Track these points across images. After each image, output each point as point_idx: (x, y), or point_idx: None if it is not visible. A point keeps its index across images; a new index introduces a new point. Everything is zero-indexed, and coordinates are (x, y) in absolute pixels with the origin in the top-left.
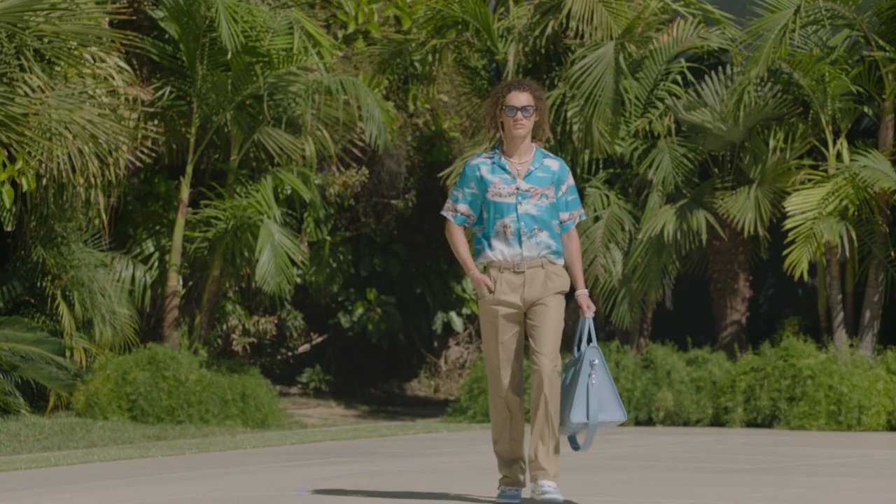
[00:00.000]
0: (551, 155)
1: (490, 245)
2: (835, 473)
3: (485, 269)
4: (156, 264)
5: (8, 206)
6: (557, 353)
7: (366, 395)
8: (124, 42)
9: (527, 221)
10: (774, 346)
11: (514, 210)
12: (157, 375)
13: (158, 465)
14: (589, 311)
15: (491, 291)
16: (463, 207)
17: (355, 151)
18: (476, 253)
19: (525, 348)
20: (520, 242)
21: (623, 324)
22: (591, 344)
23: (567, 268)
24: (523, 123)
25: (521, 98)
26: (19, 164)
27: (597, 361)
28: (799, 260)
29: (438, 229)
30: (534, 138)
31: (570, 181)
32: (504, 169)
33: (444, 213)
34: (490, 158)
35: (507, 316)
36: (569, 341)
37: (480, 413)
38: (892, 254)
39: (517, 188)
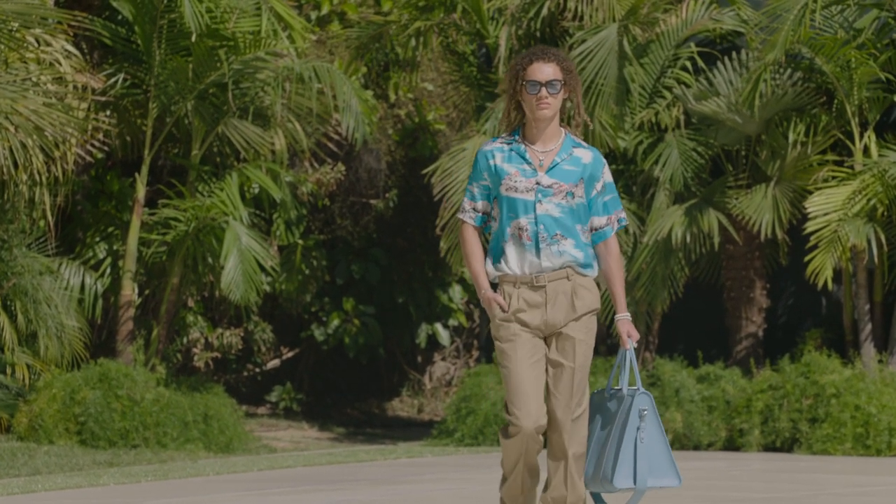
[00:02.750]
0: (584, 144)
1: (503, 251)
2: None
3: (496, 288)
4: (108, 271)
5: None
6: (584, 397)
7: (342, 415)
8: (72, 23)
9: (547, 224)
10: (795, 362)
11: (531, 209)
12: (110, 395)
13: (110, 495)
14: (631, 340)
15: (504, 310)
16: (481, 205)
17: (330, 146)
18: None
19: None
20: (537, 249)
21: None
22: (639, 389)
23: (601, 284)
24: (549, 102)
25: (545, 70)
26: None
27: (647, 411)
28: (822, 266)
29: (422, 232)
30: (564, 121)
31: (608, 177)
32: (523, 158)
33: (460, 216)
34: (507, 144)
35: (525, 332)
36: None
37: (468, 436)
38: None
39: (537, 183)
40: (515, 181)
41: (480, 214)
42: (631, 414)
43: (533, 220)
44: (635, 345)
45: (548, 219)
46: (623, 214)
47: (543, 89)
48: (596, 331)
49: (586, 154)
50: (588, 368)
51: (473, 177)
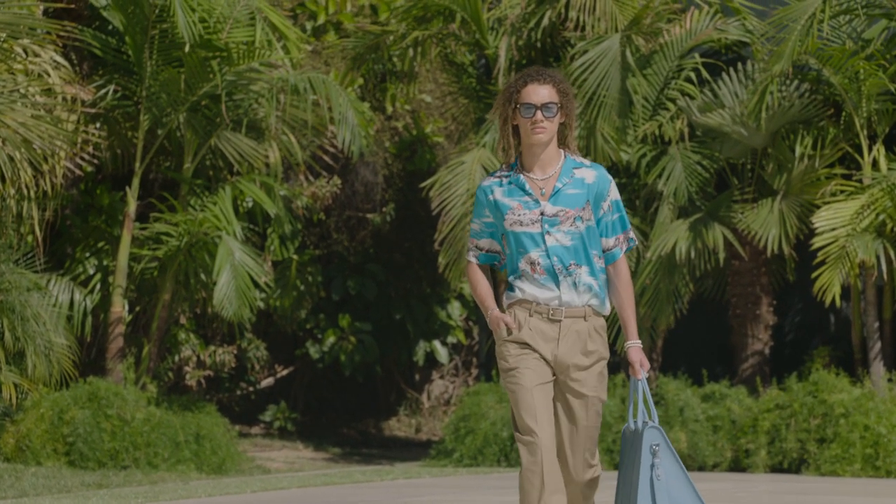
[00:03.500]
0: (585, 162)
1: (518, 285)
2: None
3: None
4: (98, 287)
5: None
6: (595, 452)
7: (337, 435)
8: (61, 34)
9: (560, 256)
10: (802, 381)
11: (540, 242)
12: (99, 414)
13: None
14: (643, 370)
15: (510, 331)
16: (485, 243)
17: (326, 159)
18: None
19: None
20: (556, 283)
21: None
22: (650, 423)
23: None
24: (544, 127)
25: (541, 93)
26: None
27: (659, 446)
28: (830, 283)
29: (420, 247)
30: (561, 144)
31: (614, 195)
32: (523, 189)
33: (468, 256)
34: (505, 177)
35: (532, 359)
36: None
37: (468, 456)
38: None
39: (542, 213)
40: (519, 215)
41: (485, 253)
42: (643, 451)
43: (544, 253)
44: (648, 374)
45: (560, 249)
46: (632, 234)
47: (539, 112)
48: (607, 381)
49: (589, 174)
50: (600, 421)
51: (476, 212)
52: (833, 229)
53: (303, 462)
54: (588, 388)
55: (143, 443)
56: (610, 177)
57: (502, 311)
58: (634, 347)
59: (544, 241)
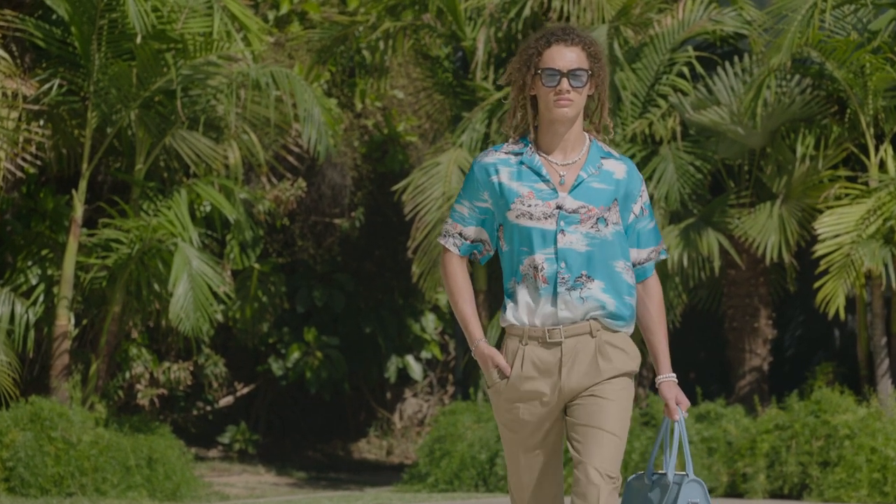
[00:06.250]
0: (614, 153)
1: (514, 295)
2: None
3: (499, 341)
4: (41, 298)
5: None
6: (618, 469)
7: (302, 458)
8: (1, 24)
9: (570, 262)
10: (803, 399)
11: (551, 242)
12: (42, 436)
13: None
14: (681, 409)
15: (504, 376)
16: (471, 231)
17: (290, 159)
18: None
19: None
20: (555, 296)
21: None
22: (690, 476)
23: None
24: (571, 99)
25: (567, 57)
26: None
27: (699, 503)
28: (833, 294)
29: (391, 255)
30: (589, 123)
31: (646, 197)
32: (538, 174)
33: (441, 240)
34: (515, 154)
35: (532, 415)
36: None
37: (443, 480)
38: None
39: (559, 206)
40: (530, 206)
41: (469, 243)
42: None
43: (553, 255)
44: (685, 415)
45: (572, 254)
46: (664, 246)
47: (565, 80)
48: (633, 398)
49: (619, 167)
50: (625, 439)
51: (466, 193)
52: (837, 236)
53: (265, 487)
54: (606, 393)
55: (90, 468)
56: (640, 174)
57: (485, 329)
58: (668, 382)
59: (555, 242)
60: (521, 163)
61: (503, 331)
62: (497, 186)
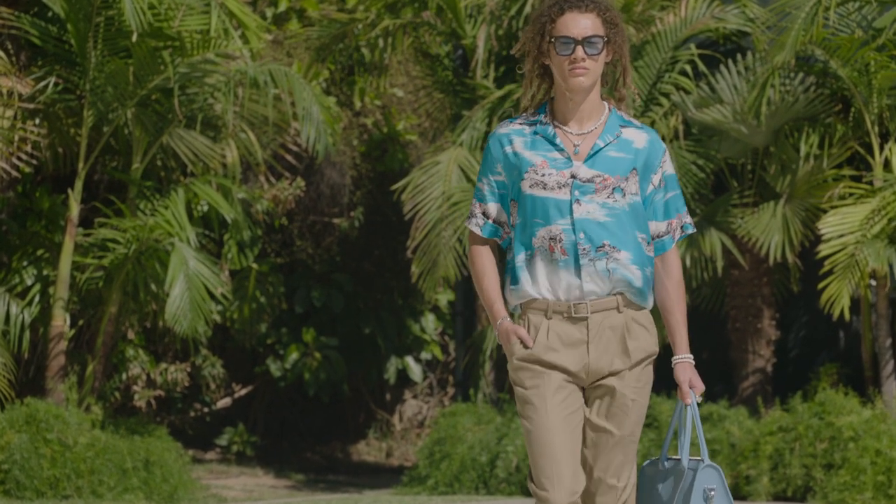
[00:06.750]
0: (635, 122)
1: (527, 269)
2: None
3: (515, 317)
4: (37, 299)
5: None
6: (633, 476)
7: (301, 460)
8: None
9: (589, 232)
10: (807, 401)
11: (567, 212)
12: (38, 439)
13: None
14: (694, 393)
15: (527, 346)
16: (493, 209)
17: (288, 158)
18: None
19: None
20: (577, 267)
21: None
22: (704, 461)
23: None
24: (586, 67)
25: (582, 23)
26: None
27: (715, 491)
28: (838, 294)
29: (391, 255)
30: (607, 92)
31: (668, 167)
32: (552, 143)
33: (468, 224)
34: (530, 125)
35: (557, 379)
36: None
37: (443, 483)
38: None
39: (573, 176)
40: (543, 175)
41: (492, 223)
42: (693, 496)
43: (569, 226)
44: (700, 399)
45: (590, 224)
46: (689, 219)
47: (580, 48)
48: (652, 383)
49: (639, 136)
50: (639, 435)
51: (484, 168)
52: (841, 236)
53: (263, 490)
54: (627, 389)
55: (86, 470)
56: (664, 144)
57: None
58: (683, 363)
59: (571, 213)
60: (536, 132)
61: (518, 312)
62: (512, 156)
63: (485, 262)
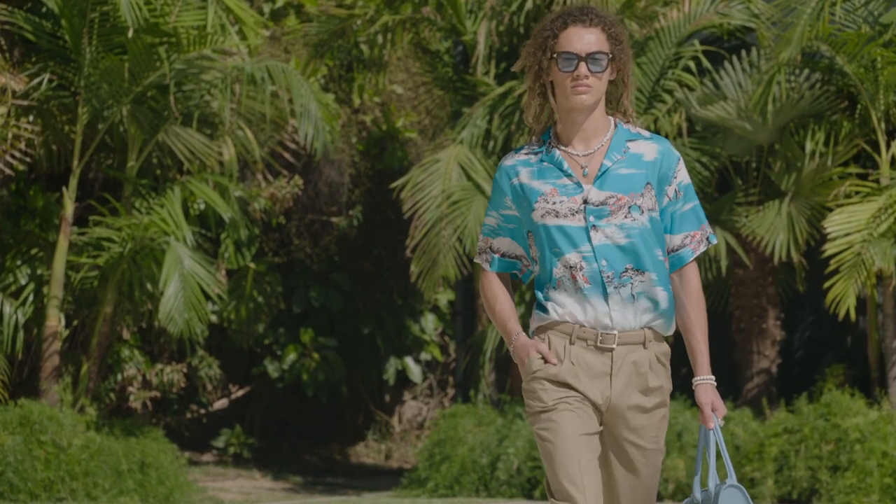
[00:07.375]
0: (644, 133)
1: (553, 301)
2: None
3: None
4: (31, 298)
5: None
6: None
7: (299, 462)
8: None
9: (611, 259)
10: (813, 402)
11: (584, 240)
12: (32, 440)
13: None
14: (717, 417)
15: (546, 360)
16: (503, 244)
17: (286, 156)
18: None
19: None
20: (605, 295)
21: None
22: (729, 481)
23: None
24: (589, 85)
25: (585, 39)
26: None
27: None
28: (844, 294)
29: (390, 254)
30: (611, 109)
31: (683, 177)
32: (559, 168)
33: (477, 260)
34: (534, 153)
35: (577, 399)
36: None
37: (443, 485)
38: None
39: (585, 201)
40: (554, 203)
41: (501, 258)
42: None
43: (590, 253)
44: (722, 423)
45: (611, 250)
46: (710, 231)
47: (583, 65)
48: (668, 420)
49: (649, 148)
50: (659, 477)
51: (492, 202)
52: (847, 234)
53: (260, 493)
54: (648, 439)
55: (81, 472)
56: (677, 153)
57: (529, 336)
58: (705, 384)
59: (589, 239)
60: (542, 160)
61: (539, 330)
62: (518, 188)
63: (495, 288)
